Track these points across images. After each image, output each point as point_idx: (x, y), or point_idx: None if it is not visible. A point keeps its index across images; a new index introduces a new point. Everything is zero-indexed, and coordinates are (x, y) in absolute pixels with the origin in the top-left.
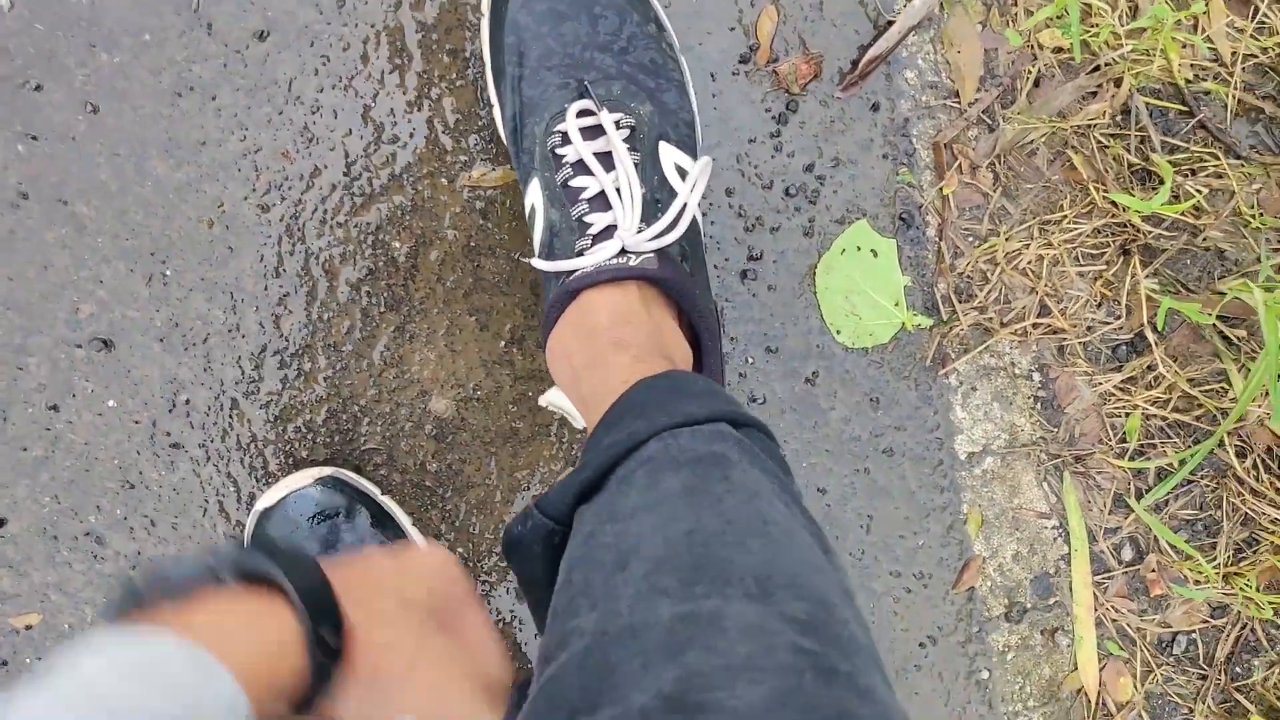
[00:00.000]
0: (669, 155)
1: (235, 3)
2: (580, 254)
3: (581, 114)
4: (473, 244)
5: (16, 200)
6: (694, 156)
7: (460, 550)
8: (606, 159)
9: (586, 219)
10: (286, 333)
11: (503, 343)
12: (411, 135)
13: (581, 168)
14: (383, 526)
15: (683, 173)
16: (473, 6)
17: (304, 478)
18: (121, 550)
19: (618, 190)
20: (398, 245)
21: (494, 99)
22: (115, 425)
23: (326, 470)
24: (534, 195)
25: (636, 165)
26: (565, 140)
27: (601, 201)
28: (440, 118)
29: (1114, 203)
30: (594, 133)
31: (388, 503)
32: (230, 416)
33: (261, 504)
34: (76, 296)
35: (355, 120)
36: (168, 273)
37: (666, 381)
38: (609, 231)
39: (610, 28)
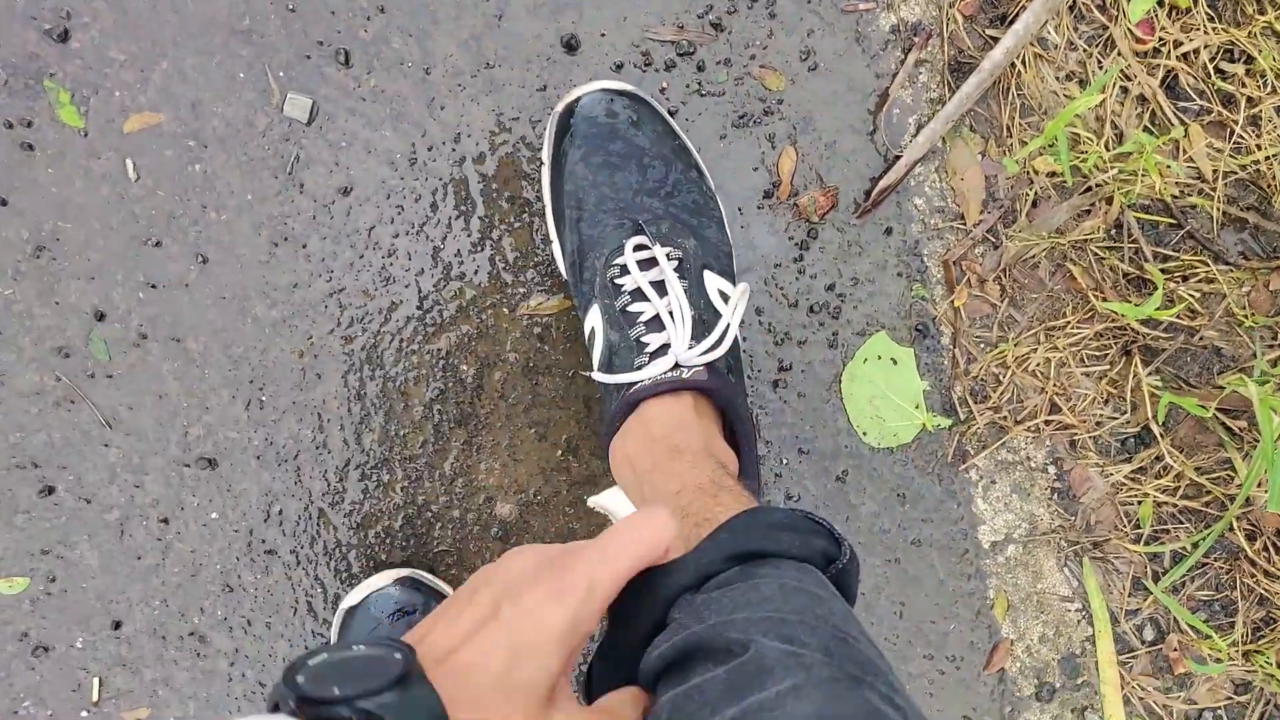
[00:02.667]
0: (712, 282)
1: (323, 165)
2: (639, 369)
3: (637, 248)
4: (531, 364)
5: (137, 340)
6: (733, 282)
7: None
8: (659, 287)
9: (644, 339)
10: (367, 448)
11: (559, 452)
12: (476, 272)
13: (639, 295)
14: None
15: (725, 296)
16: (528, 159)
17: (384, 579)
18: (222, 648)
19: (670, 313)
20: (465, 368)
21: (554, 237)
22: (218, 535)
23: (404, 571)
24: (594, 319)
25: (686, 291)
26: (624, 271)
27: (656, 323)
28: (501, 256)
29: (1113, 309)
30: (648, 265)
31: None
32: (318, 524)
33: (346, 603)
34: (186, 421)
35: (426, 261)
36: (264, 398)
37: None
38: (664, 349)
39: (657, 176)
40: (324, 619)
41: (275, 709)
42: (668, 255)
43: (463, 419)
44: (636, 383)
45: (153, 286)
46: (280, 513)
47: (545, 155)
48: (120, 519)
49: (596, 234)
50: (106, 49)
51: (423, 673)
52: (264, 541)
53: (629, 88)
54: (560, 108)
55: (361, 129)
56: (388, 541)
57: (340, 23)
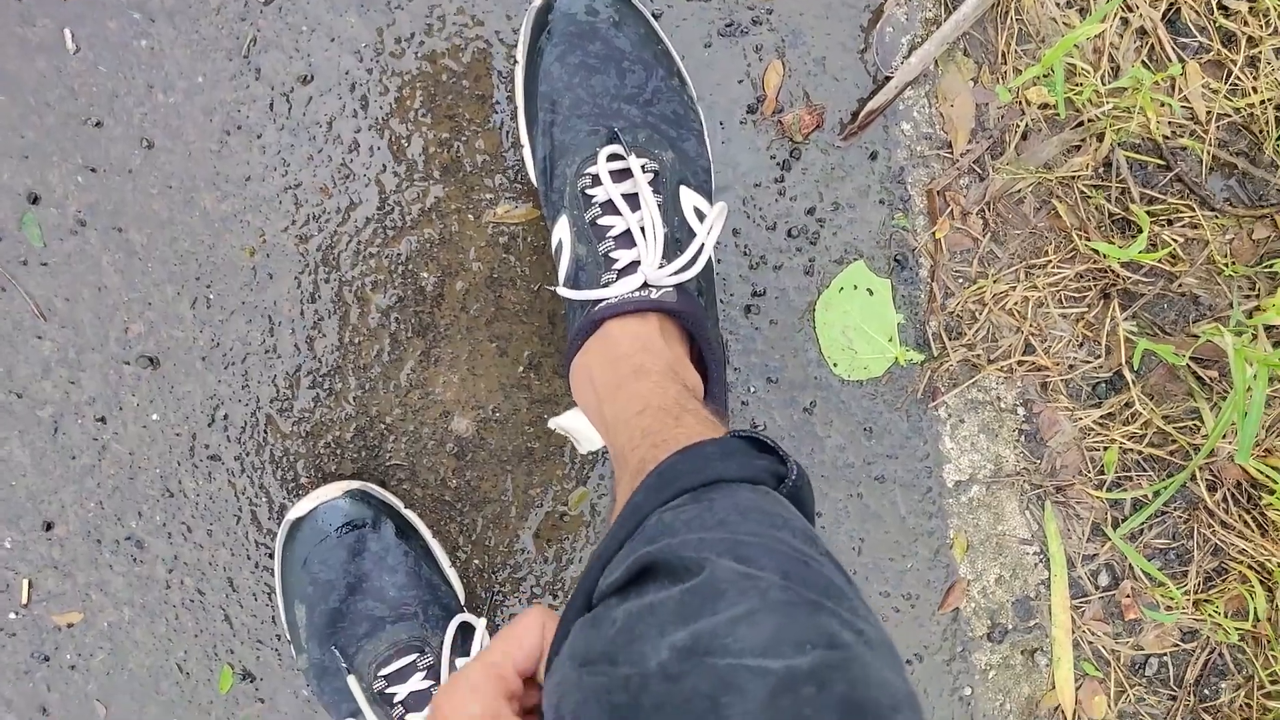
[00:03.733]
0: (689, 198)
1: (282, 50)
2: (606, 286)
3: (611, 158)
4: (495, 275)
5: (75, 227)
6: (710, 201)
7: (476, 562)
8: (632, 200)
9: (612, 254)
10: (319, 354)
11: (520, 368)
12: (441, 173)
13: (610, 207)
14: (406, 538)
15: (700, 215)
16: (502, 55)
17: (333, 490)
18: (160, 554)
19: (642, 229)
20: (425, 275)
21: (525, 141)
22: (158, 437)
23: (354, 484)
24: (561, 231)
25: (660, 206)
26: (595, 181)
27: (627, 239)
28: (469, 158)
29: (1095, 249)
30: (621, 176)
31: (411, 516)
32: (265, 432)
33: (293, 514)
34: (127, 317)
35: (389, 158)
36: (211, 296)
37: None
38: (633, 267)
39: (637, 81)
40: (269, 530)
41: None
42: (643, 167)
43: (421, 329)
44: (602, 300)
45: (92, 170)
46: (225, 417)
47: (520, 53)
48: (54, 416)
49: (569, 140)
50: None
51: None
52: (207, 446)
53: None
54: (538, 2)
55: (325, 13)
56: (338, 452)
57: None
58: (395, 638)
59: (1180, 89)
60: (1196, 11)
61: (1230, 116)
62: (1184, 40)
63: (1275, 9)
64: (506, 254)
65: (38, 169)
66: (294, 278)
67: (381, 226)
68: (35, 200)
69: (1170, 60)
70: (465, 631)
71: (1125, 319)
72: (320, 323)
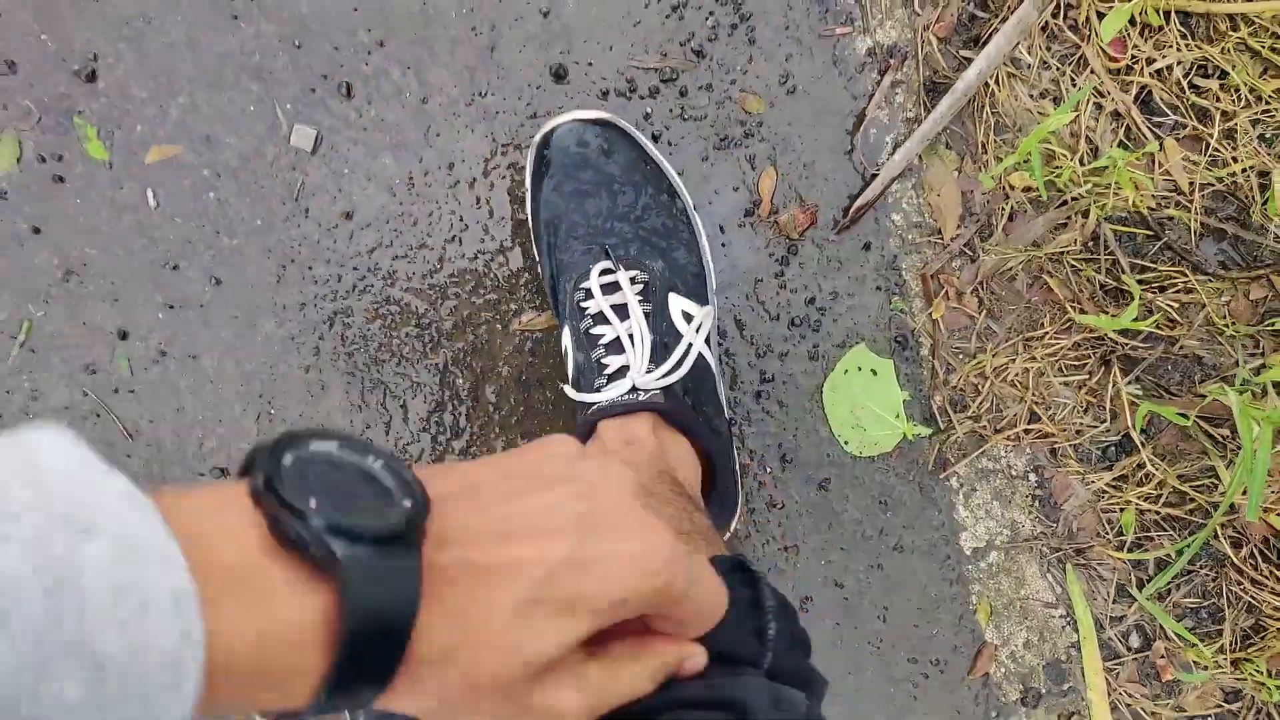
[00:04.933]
0: (677, 304)
1: (327, 191)
2: (598, 390)
3: (603, 273)
4: (523, 378)
5: (157, 357)
6: (702, 303)
7: None
8: (620, 310)
9: (604, 360)
10: None
11: None
12: (471, 290)
13: (601, 318)
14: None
15: (689, 318)
16: (518, 183)
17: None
18: None
19: (630, 336)
20: (460, 381)
21: (537, 259)
22: None
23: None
24: (566, 339)
25: (647, 315)
26: (588, 295)
27: (617, 346)
28: (493, 275)
29: (1085, 322)
30: (613, 289)
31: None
32: None
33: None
34: (201, 433)
35: (423, 281)
36: (272, 411)
37: None
38: (622, 372)
39: (627, 200)
40: None
41: (244, 474)
42: (633, 279)
43: (458, 429)
44: (594, 404)
45: (171, 307)
46: None
47: (527, 184)
48: None
49: (567, 259)
50: (129, 87)
51: (419, 546)
52: None
53: (603, 115)
54: (537, 138)
55: (363, 157)
56: None
57: (343, 57)
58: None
59: (1161, 164)
60: (1167, 92)
61: (1214, 185)
62: (1159, 119)
63: (1246, 84)
64: (532, 358)
65: (126, 309)
66: (344, 390)
67: (420, 341)
68: (124, 336)
69: (1147, 138)
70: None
71: (1128, 383)
72: (367, 430)
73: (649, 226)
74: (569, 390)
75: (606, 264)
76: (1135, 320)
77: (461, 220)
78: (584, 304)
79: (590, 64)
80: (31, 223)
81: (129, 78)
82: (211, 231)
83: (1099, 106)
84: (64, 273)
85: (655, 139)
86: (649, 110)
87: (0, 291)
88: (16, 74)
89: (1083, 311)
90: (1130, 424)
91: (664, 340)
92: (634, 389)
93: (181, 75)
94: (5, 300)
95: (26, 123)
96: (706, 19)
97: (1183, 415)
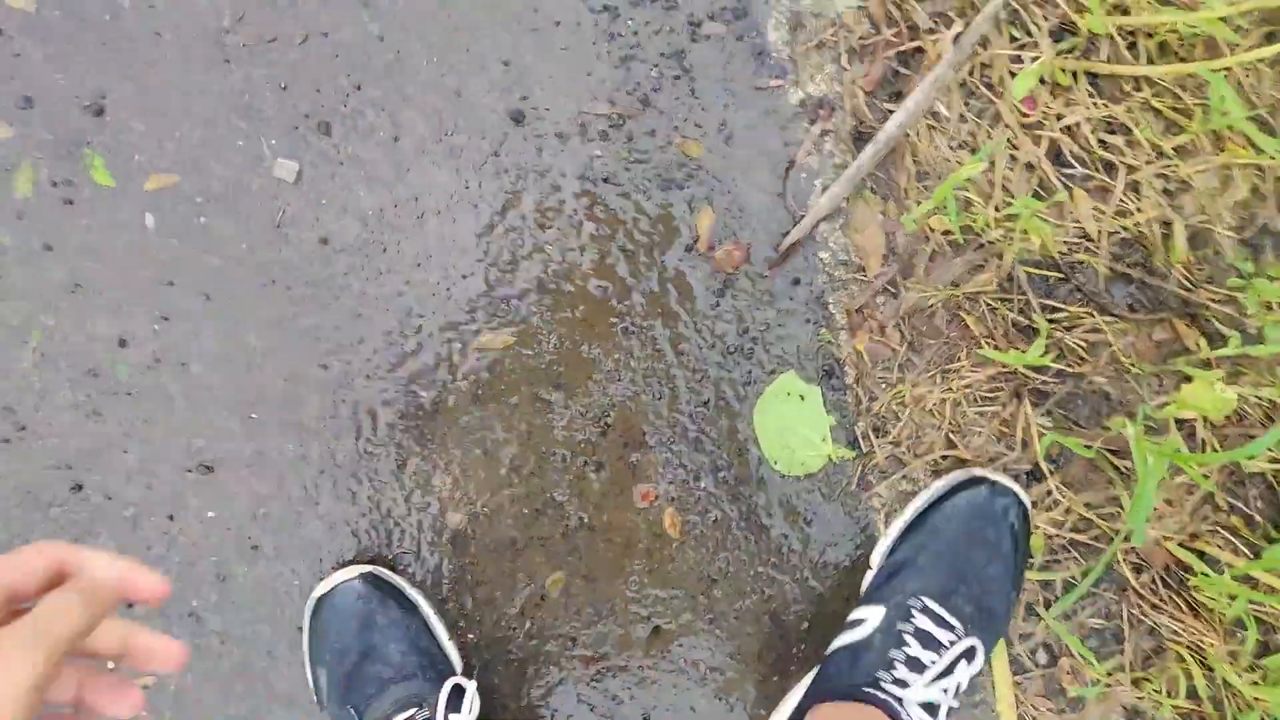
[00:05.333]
0: None
1: (306, 220)
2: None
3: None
4: (479, 394)
5: (152, 364)
6: None
7: (471, 636)
8: None
9: None
10: (340, 461)
11: (503, 469)
12: (433, 313)
13: None
14: (409, 613)
15: None
16: (482, 211)
17: (350, 572)
18: (215, 628)
19: None
20: (423, 394)
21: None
22: (213, 530)
23: (368, 568)
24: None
25: None
26: None
27: None
28: (455, 301)
29: (990, 358)
30: None
31: (415, 595)
32: (296, 525)
33: (317, 592)
34: (190, 434)
35: (392, 302)
36: (254, 416)
37: None
38: None
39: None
40: (298, 607)
41: None
42: None
43: (421, 438)
44: None
45: (165, 319)
46: (265, 514)
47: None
48: (134, 515)
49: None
50: (132, 121)
51: None
52: (250, 538)
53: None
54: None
55: (339, 189)
56: (355, 542)
57: (324, 98)
58: (398, 695)
59: (1071, 212)
60: (1077, 146)
61: (1121, 233)
62: (1069, 171)
63: (1149, 141)
64: (487, 377)
65: (125, 320)
66: (319, 398)
67: (386, 358)
68: (123, 344)
69: (1057, 189)
70: (458, 692)
71: (1039, 415)
72: (340, 436)
73: None
74: None
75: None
76: (1043, 356)
77: (426, 250)
78: None
79: (547, 109)
80: (44, 240)
81: (132, 112)
82: (202, 252)
83: (1014, 158)
84: (71, 285)
85: (606, 180)
86: (599, 152)
87: (17, 301)
88: (34, 108)
89: (996, 348)
90: (1040, 454)
91: None
92: None
93: (179, 111)
94: (21, 309)
95: (42, 151)
96: (652, 70)
97: (1087, 446)
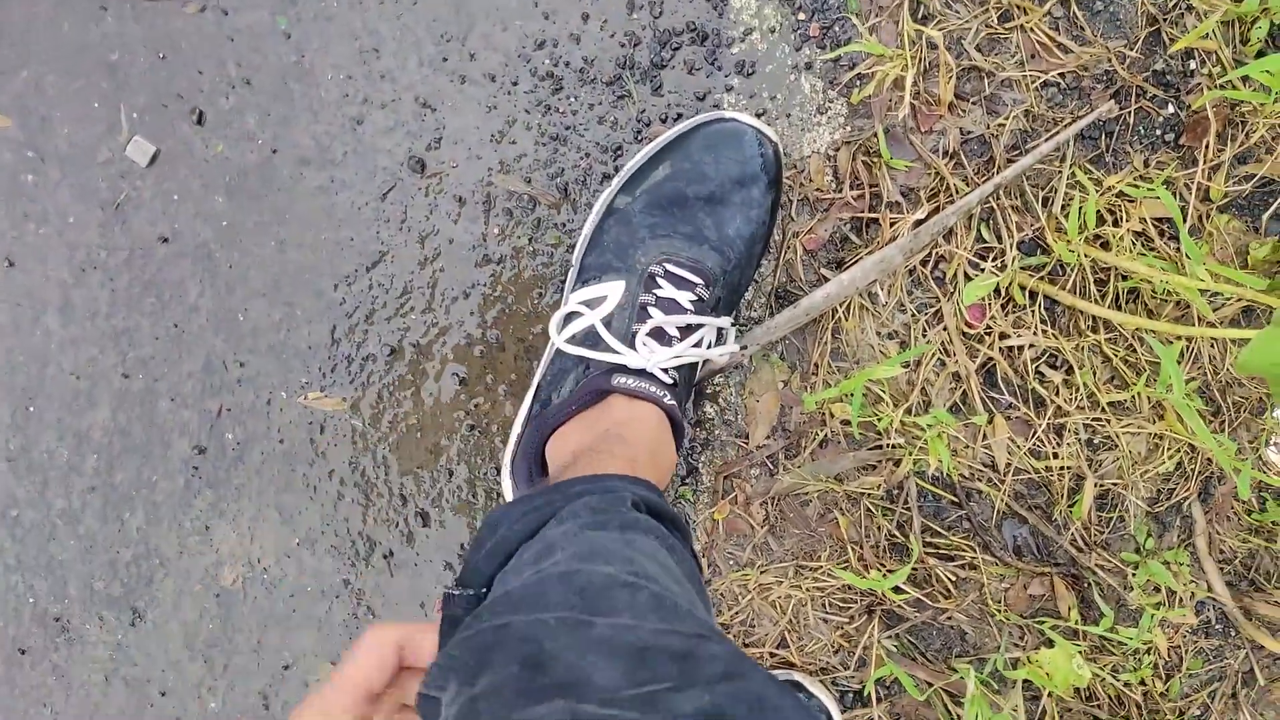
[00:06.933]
0: None
1: (150, 211)
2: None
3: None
4: (293, 452)
5: None
6: None
7: (213, 705)
8: None
9: None
10: (117, 483)
11: (296, 540)
12: (263, 351)
13: None
14: None
15: None
16: (347, 271)
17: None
18: None
19: None
20: (229, 435)
21: None
22: None
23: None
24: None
25: None
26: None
27: None
28: (295, 342)
29: (866, 565)
30: None
31: None
32: (49, 539)
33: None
34: None
35: (220, 325)
36: (31, 409)
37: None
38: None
39: None
40: (25, 630)
41: None
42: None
43: (215, 482)
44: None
45: None
46: (16, 517)
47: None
48: None
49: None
50: None
51: None
52: None
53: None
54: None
55: (197, 188)
56: (110, 572)
57: (205, 83)
58: None
59: (986, 436)
60: (1012, 371)
61: (1029, 473)
62: (996, 395)
63: (1087, 388)
64: (309, 437)
65: None
66: (111, 410)
67: (202, 383)
68: None
69: (979, 410)
70: None
71: (886, 637)
72: (123, 454)
73: None
74: None
75: None
76: (902, 585)
77: (275, 283)
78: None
79: (454, 165)
80: None
81: None
82: (19, 212)
83: (943, 364)
84: None
85: (490, 260)
86: (498, 229)
87: None
88: None
89: (862, 559)
90: (873, 679)
91: None
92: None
93: (33, 49)
94: None
95: None
96: (580, 160)
97: (919, 687)
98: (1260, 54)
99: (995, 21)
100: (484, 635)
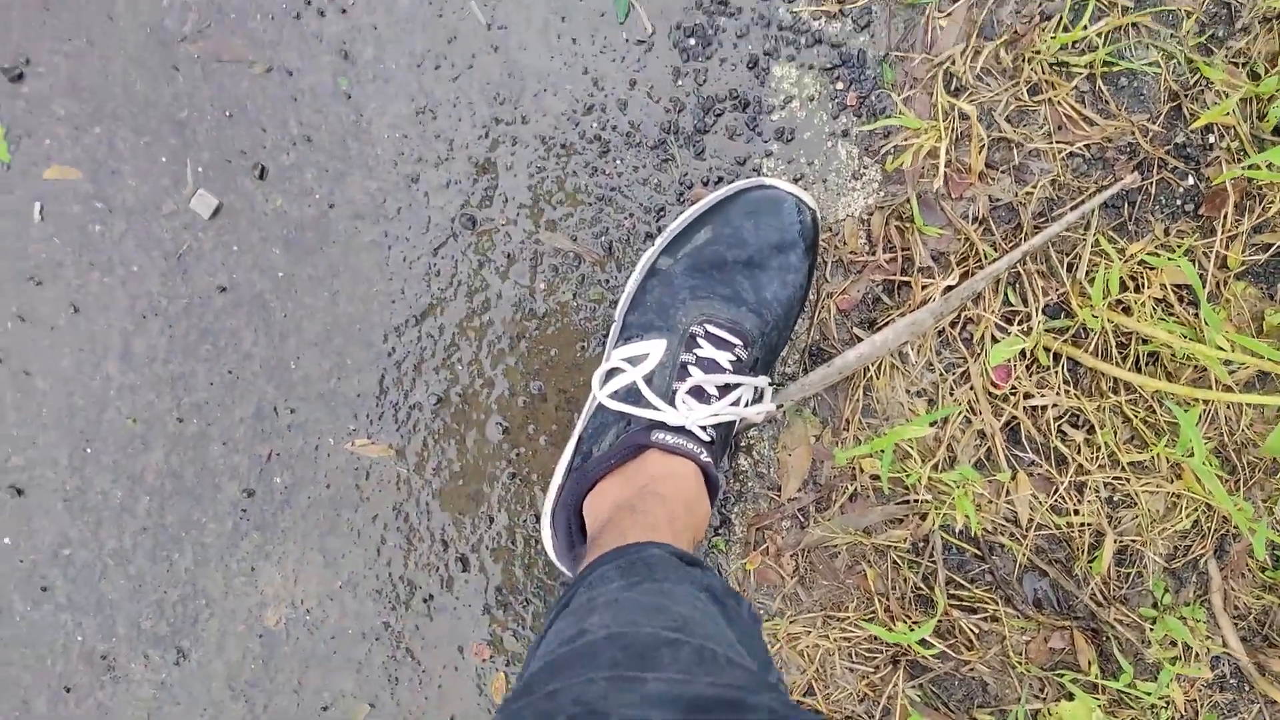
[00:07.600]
0: None
1: (210, 261)
2: None
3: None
4: (339, 497)
5: None
6: None
7: None
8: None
9: None
10: (168, 524)
11: (339, 583)
12: (315, 398)
13: None
14: None
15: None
16: (386, 320)
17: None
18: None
19: None
20: (278, 480)
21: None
22: (3, 559)
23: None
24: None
25: None
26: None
27: None
28: (345, 390)
29: (892, 617)
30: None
31: None
32: (99, 579)
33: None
34: (10, 448)
35: (274, 374)
36: (88, 450)
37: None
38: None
39: None
40: (74, 671)
41: None
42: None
43: (262, 525)
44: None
45: (21, 319)
46: (69, 556)
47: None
48: None
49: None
50: (51, 101)
51: None
52: (44, 577)
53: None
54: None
55: (256, 240)
56: (157, 613)
57: (268, 140)
58: None
59: (1009, 492)
60: (1036, 430)
61: (1050, 529)
62: (1020, 453)
63: (1108, 448)
64: (356, 481)
65: None
66: (165, 453)
67: (253, 431)
68: None
69: (1003, 467)
70: None
71: (911, 687)
72: (174, 496)
73: None
74: None
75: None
76: (929, 637)
77: (328, 330)
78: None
79: (504, 222)
80: None
81: (55, 91)
82: (86, 261)
83: (969, 421)
84: None
85: (534, 315)
86: (545, 284)
87: None
88: None
89: (889, 610)
90: None
91: None
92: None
93: (107, 106)
94: None
95: None
96: (625, 220)
97: None
98: (1278, 130)
99: (1025, 95)
100: (536, 704)
